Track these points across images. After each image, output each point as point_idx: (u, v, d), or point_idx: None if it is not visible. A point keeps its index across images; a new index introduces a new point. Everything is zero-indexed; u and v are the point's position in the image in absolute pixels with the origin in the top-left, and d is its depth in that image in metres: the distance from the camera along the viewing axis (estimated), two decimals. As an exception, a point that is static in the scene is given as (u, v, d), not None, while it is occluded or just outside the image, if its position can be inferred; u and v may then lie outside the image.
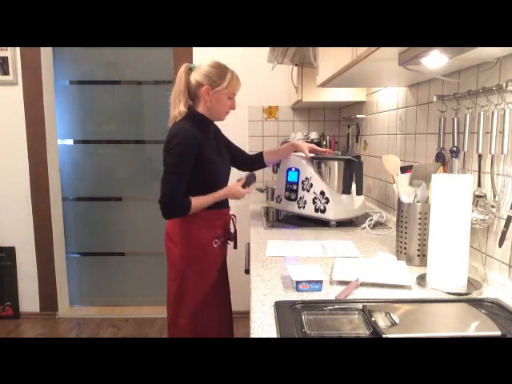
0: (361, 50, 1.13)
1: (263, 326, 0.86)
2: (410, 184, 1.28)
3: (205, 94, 1.58)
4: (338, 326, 0.84)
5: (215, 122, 1.72)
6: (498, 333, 0.78)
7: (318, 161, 1.84)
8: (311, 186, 1.79)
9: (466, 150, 1.21)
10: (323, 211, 1.74)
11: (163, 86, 2.97)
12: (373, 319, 0.84)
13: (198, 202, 1.57)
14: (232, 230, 1.77)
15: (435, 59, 1.02)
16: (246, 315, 1.64)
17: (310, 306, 0.95)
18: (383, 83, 1.74)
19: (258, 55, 2.66)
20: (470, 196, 1.01)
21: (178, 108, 1.59)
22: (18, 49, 2.72)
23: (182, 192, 1.54)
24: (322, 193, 1.75)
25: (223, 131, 1.80)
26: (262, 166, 1.89)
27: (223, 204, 1.70)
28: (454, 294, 1.01)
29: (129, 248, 3.12)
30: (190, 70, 1.62)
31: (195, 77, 1.59)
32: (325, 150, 1.87)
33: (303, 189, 1.83)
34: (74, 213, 3.09)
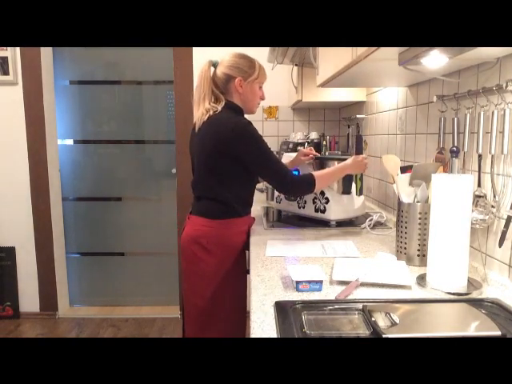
0: (361, 49, 1.13)
1: (263, 325, 0.86)
2: (410, 184, 1.28)
3: (238, 86, 1.53)
4: (338, 326, 0.84)
5: None
6: (497, 333, 0.78)
7: (318, 161, 1.84)
8: (311, 185, 1.79)
9: (466, 150, 1.21)
10: (323, 211, 1.74)
11: (163, 86, 2.97)
12: (373, 319, 0.84)
13: (321, 174, 1.55)
14: None
15: (435, 59, 1.03)
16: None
17: (310, 305, 0.95)
18: (383, 83, 1.75)
19: (258, 55, 2.64)
20: (470, 196, 1.01)
21: (203, 106, 1.52)
22: (17, 49, 2.72)
23: (288, 170, 1.52)
24: (322, 193, 1.75)
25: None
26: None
27: (250, 208, 1.66)
28: (454, 294, 1.01)
29: (129, 248, 3.12)
30: (214, 66, 1.56)
31: (223, 70, 1.53)
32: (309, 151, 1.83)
33: (303, 189, 1.82)
34: (74, 213, 3.09)
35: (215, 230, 1.54)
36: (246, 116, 1.60)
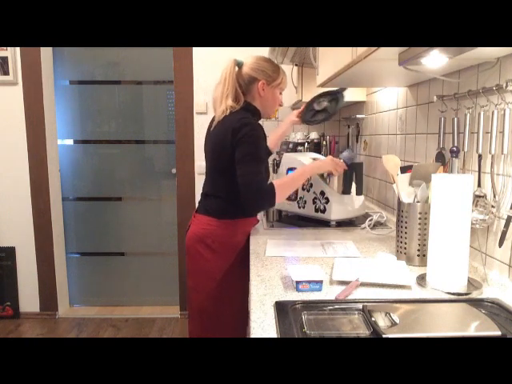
0: (361, 50, 1.13)
1: (263, 325, 0.86)
2: (410, 184, 1.28)
3: (261, 89, 1.54)
4: (338, 326, 0.84)
5: None
6: (497, 333, 0.78)
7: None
8: (311, 186, 1.79)
9: (466, 150, 1.21)
10: (323, 211, 1.74)
11: (163, 86, 2.97)
12: (373, 319, 0.84)
13: (281, 184, 1.44)
14: None
15: (435, 59, 1.02)
16: (246, 315, 1.64)
17: (310, 305, 0.95)
18: (383, 83, 1.75)
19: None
20: (470, 196, 1.01)
21: (225, 103, 1.51)
22: (18, 49, 2.72)
23: (266, 180, 1.45)
24: (322, 193, 1.75)
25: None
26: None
27: None
28: (454, 294, 1.01)
29: (129, 248, 3.12)
30: (238, 65, 1.55)
31: (248, 72, 1.53)
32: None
33: (303, 189, 1.83)
34: (74, 213, 3.09)
35: (221, 229, 1.54)
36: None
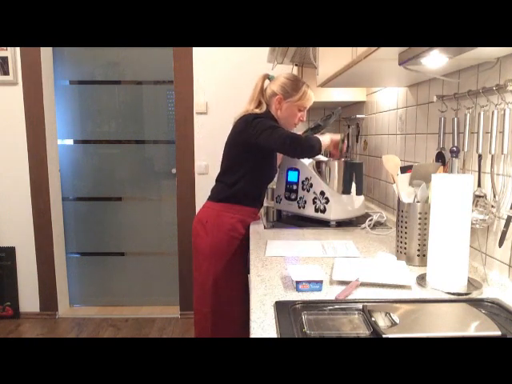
0: (361, 49, 1.13)
1: (263, 325, 0.86)
2: (410, 184, 1.28)
3: (277, 102, 1.71)
4: (338, 326, 0.84)
5: None
6: (497, 333, 0.78)
7: (318, 161, 1.84)
8: (311, 186, 1.79)
9: (466, 150, 1.21)
10: (323, 211, 1.74)
11: (163, 86, 2.97)
12: (373, 319, 0.84)
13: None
14: None
15: (435, 59, 1.02)
16: (246, 315, 1.65)
17: (310, 305, 0.95)
18: (383, 83, 1.75)
19: (258, 55, 2.66)
20: (470, 196, 1.01)
21: (248, 107, 1.74)
22: (18, 49, 2.72)
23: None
24: (322, 193, 1.75)
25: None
26: None
27: (255, 202, 1.81)
28: (454, 294, 1.01)
29: (129, 248, 3.12)
30: (269, 79, 1.77)
31: (271, 87, 1.73)
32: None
33: (303, 189, 1.83)
34: (74, 213, 3.09)
35: (215, 211, 1.72)
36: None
